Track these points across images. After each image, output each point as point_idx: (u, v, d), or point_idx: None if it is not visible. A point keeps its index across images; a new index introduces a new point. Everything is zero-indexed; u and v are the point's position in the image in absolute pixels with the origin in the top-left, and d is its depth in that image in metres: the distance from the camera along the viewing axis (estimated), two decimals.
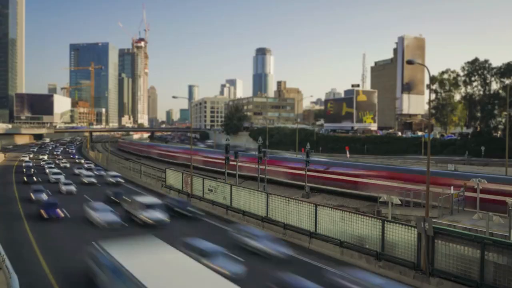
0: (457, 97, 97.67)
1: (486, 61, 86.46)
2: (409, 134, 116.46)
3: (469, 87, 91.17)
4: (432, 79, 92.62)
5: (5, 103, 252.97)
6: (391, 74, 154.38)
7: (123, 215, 29.25)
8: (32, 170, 59.46)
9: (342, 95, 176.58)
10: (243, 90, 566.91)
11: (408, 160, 77.45)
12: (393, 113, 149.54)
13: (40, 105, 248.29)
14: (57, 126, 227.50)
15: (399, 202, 30.04)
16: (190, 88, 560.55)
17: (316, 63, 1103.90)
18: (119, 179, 50.64)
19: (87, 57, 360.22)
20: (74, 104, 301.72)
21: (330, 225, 22.54)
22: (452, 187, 29.97)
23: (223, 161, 47.57)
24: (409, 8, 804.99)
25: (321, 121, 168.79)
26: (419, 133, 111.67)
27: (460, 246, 16.42)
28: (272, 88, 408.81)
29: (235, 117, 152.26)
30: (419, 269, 17.50)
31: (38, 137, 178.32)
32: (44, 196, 36.29)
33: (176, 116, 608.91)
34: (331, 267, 19.75)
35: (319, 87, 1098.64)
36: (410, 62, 22.11)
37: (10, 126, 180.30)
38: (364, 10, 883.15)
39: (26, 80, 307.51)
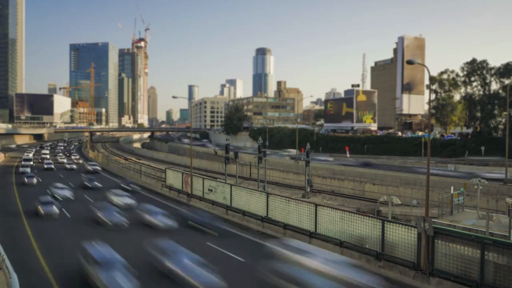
0: (457, 97, 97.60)
1: (484, 61, 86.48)
2: (409, 134, 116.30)
3: (468, 87, 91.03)
4: (432, 79, 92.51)
5: (5, 103, 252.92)
6: (391, 74, 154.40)
7: None
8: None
9: (342, 95, 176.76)
10: (243, 90, 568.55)
11: (409, 161, 77.62)
12: (393, 113, 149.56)
13: (40, 105, 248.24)
14: (57, 126, 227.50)
15: (399, 202, 30.04)
16: (190, 88, 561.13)
17: (316, 63, 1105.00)
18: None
19: (87, 57, 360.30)
20: (74, 104, 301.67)
21: (330, 225, 22.49)
22: (452, 187, 29.94)
23: None
24: (409, 8, 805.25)
25: (321, 121, 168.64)
26: (419, 133, 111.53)
27: (460, 246, 16.39)
28: (272, 88, 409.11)
29: (235, 117, 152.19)
30: (419, 269, 17.47)
31: (38, 137, 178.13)
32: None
33: (176, 116, 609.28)
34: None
35: (319, 87, 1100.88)
36: (410, 62, 22.09)
37: (10, 126, 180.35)
38: (364, 10, 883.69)
39: (26, 80, 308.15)
